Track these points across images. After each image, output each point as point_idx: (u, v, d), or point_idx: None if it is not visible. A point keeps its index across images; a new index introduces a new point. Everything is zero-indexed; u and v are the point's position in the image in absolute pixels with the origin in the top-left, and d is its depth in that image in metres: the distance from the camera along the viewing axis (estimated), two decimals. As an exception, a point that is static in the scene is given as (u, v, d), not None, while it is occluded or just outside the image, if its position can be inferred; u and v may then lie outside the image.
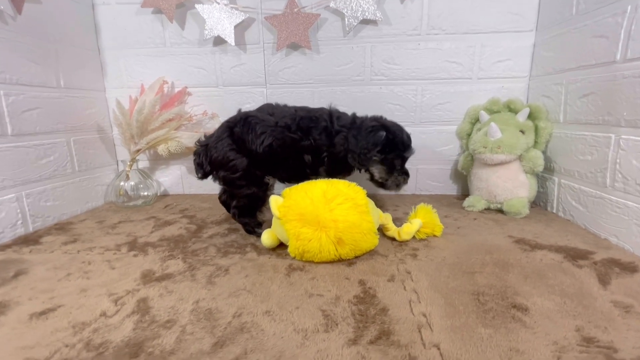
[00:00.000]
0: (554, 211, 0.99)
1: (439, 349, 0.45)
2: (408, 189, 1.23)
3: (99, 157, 1.21)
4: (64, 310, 0.56)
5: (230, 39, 1.11)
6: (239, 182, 0.85)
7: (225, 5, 1.09)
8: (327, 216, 0.68)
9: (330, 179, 0.77)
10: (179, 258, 0.76)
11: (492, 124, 0.96)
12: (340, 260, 0.71)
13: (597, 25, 0.80)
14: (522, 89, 1.10)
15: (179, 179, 1.30)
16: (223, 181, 0.88)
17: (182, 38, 1.18)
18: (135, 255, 0.77)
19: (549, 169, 1.00)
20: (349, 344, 0.46)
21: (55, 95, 1.02)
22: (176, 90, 1.22)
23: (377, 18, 1.06)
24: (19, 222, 0.91)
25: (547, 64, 1.00)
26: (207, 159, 0.86)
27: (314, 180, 0.76)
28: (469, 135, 1.12)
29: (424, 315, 0.53)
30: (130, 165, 1.18)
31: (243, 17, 1.10)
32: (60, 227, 0.97)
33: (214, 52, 1.18)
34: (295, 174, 0.90)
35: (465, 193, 1.21)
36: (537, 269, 0.66)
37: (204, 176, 0.89)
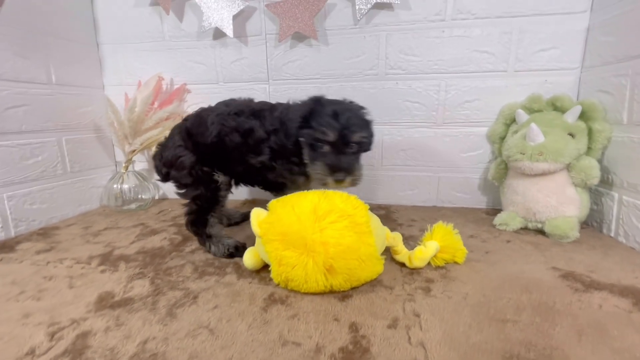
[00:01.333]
0: (612, 235, 0.79)
1: None
2: (428, 200, 1.07)
3: (95, 157, 1.15)
4: (-10, 343, 0.47)
5: (229, 30, 1.01)
6: (184, 181, 0.76)
7: (224, -7, 0.99)
8: (315, 237, 0.55)
9: (325, 191, 0.63)
10: (148, 277, 0.65)
11: (533, 125, 0.78)
12: (332, 292, 0.58)
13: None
14: (572, 83, 0.91)
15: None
16: (174, 182, 0.79)
17: (180, 31, 1.09)
18: (102, 272, 0.68)
19: (606, 181, 0.80)
20: None
21: (46, 92, 0.97)
22: (175, 87, 1.14)
23: (393, 1, 0.91)
24: (0, 225, 0.86)
25: (606, 52, 0.80)
26: (161, 160, 0.79)
27: (305, 192, 0.63)
28: (503, 138, 0.94)
29: (432, 388, 0.38)
30: (126, 167, 1.11)
31: (242, 6, 0.99)
32: (43, 233, 0.91)
33: (214, 45, 1.09)
34: (249, 171, 0.77)
35: (497, 207, 1.02)
36: (595, 321, 0.49)
37: (164, 179, 0.81)
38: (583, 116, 0.82)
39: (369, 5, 0.92)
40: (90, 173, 1.13)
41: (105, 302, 0.57)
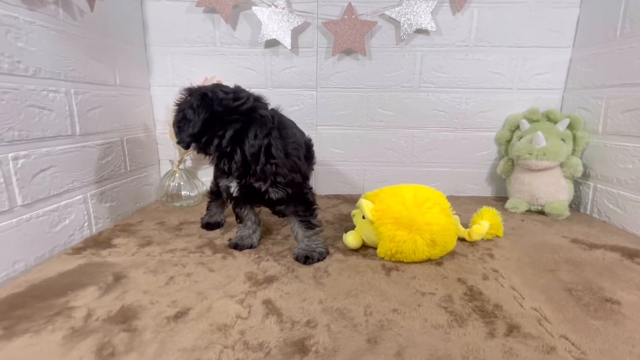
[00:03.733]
0: (588, 213, 1.10)
1: (567, 339, 0.52)
2: (446, 191, 1.30)
3: (145, 156, 1.18)
4: (196, 313, 0.57)
5: (287, 42, 1.12)
6: None
7: (283, 8, 1.10)
8: (420, 219, 0.73)
9: (414, 184, 0.82)
10: (269, 260, 0.78)
11: (539, 132, 1.05)
12: (428, 261, 0.77)
13: (641, 47, 0.90)
14: (557, 100, 1.20)
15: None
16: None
17: (233, 38, 1.18)
18: (224, 258, 0.79)
19: (584, 174, 1.10)
20: (488, 337, 0.52)
21: (112, 93, 1.00)
22: (224, 90, 1.21)
23: (431, 28, 1.11)
24: (86, 224, 0.89)
25: (585, 79, 1.10)
26: None
27: (400, 185, 0.81)
28: (508, 141, 1.20)
29: (535, 310, 0.59)
30: (178, 165, 1.17)
31: (301, 22, 1.11)
32: (123, 229, 0.95)
33: (265, 53, 1.19)
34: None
35: (499, 195, 1.30)
36: (605, 266, 0.75)
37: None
38: (569, 126, 1.10)
39: (411, 29, 1.11)
40: (142, 171, 1.16)
41: (256, 280, 0.69)
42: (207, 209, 1.00)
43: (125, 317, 0.56)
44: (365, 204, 0.78)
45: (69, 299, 0.62)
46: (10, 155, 0.68)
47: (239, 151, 0.71)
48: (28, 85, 0.71)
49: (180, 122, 0.67)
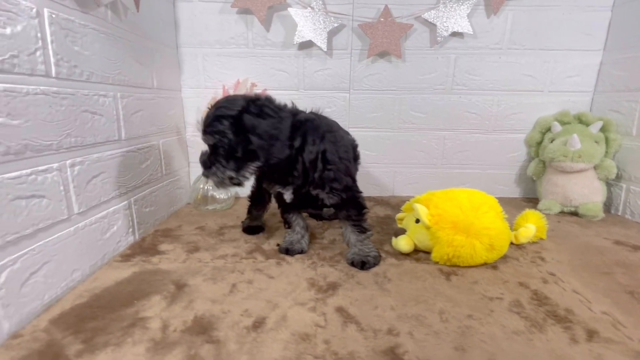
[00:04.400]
0: (620, 214, 1.12)
1: (648, 343, 0.53)
2: (475, 191, 1.31)
3: (178, 159, 1.17)
4: (273, 322, 0.57)
5: (323, 44, 1.12)
6: None
7: (319, 10, 1.09)
8: (478, 224, 0.74)
9: (465, 189, 0.82)
10: (324, 265, 0.78)
11: (575, 135, 1.06)
12: (483, 265, 0.77)
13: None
14: (586, 102, 1.21)
15: (251, 181, 1.29)
16: None
17: (266, 40, 1.16)
18: (278, 264, 0.78)
19: (616, 176, 1.12)
20: (571, 343, 0.53)
21: (151, 97, 0.98)
22: (256, 91, 1.20)
23: (467, 31, 1.11)
24: (130, 230, 0.88)
25: (617, 82, 1.11)
26: None
27: (451, 189, 0.81)
28: (539, 143, 1.21)
29: (606, 314, 0.60)
30: (211, 168, 1.15)
31: (337, 24, 1.11)
32: (164, 234, 0.94)
33: (298, 55, 1.18)
34: None
35: (527, 196, 1.31)
36: (655, 268, 0.76)
37: None
38: (601, 128, 1.12)
39: (447, 32, 1.12)
40: (175, 175, 1.15)
41: (319, 286, 0.68)
42: (248, 212, 0.99)
43: (202, 328, 0.56)
44: (421, 209, 0.78)
45: (137, 309, 0.61)
46: (68, 162, 0.66)
47: (300, 159, 0.71)
48: (82, 90, 0.70)
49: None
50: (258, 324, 0.56)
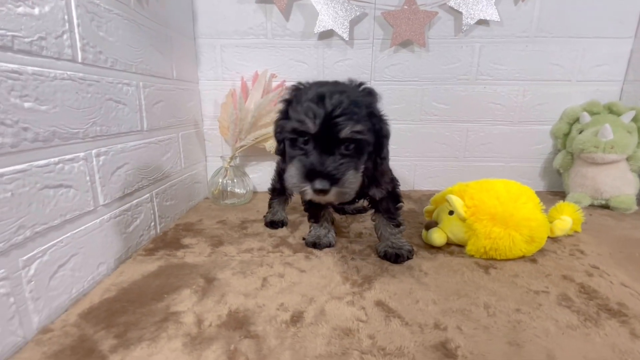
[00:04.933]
0: (652, 206, 1.08)
1: None
2: (498, 185, 1.28)
3: (195, 152, 1.15)
4: (312, 317, 0.54)
5: (345, 33, 1.09)
6: None
7: (341, -2, 1.06)
8: (518, 215, 0.71)
9: (502, 179, 0.79)
10: (355, 259, 0.75)
11: (607, 125, 1.02)
12: (520, 258, 0.74)
13: None
14: (616, 92, 1.17)
15: (269, 175, 1.26)
16: None
17: (285, 30, 1.14)
18: (307, 257, 0.76)
19: (648, 167, 1.08)
20: (632, 337, 0.49)
21: (171, 87, 0.96)
22: (275, 83, 1.18)
23: (495, 18, 1.08)
24: (152, 223, 0.85)
25: (650, 70, 1.07)
26: None
27: (487, 180, 0.78)
28: (566, 135, 1.18)
29: (662, 308, 0.57)
30: (229, 162, 1.13)
31: (359, 12, 1.08)
32: (186, 228, 0.92)
33: (318, 45, 1.15)
34: None
35: (552, 189, 1.27)
36: None
37: None
38: (633, 118, 1.08)
39: (473, 20, 1.08)
40: (193, 168, 1.12)
41: (354, 280, 0.66)
42: (270, 206, 0.97)
43: (239, 323, 0.53)
44: (456, 201, 0.75)
45: (167, 303, 0.58)
46: (93, 151, 0.64)
47: None
48: (107, 78, 0.67)
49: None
50: (296, 319, 0.54)
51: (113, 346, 0.48)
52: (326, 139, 0.54)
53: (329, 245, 0.81)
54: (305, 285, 0.64)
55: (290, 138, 0.58)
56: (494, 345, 0.48)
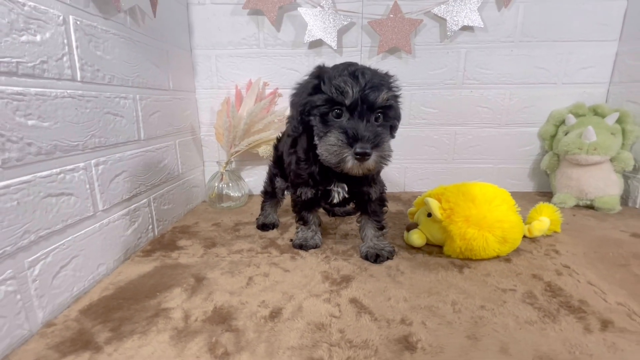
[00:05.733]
0: (638, 206, 1.09)
1: (664, 333, 0.52)
2: (488, 186, 1.31)
3: (193, 158, 1.20)
4: (290, 313, 0.59)
5: (333, 42, 1.13)
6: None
7: (328, 9, 1.11)
8: (491, 217, 0.74)
9: (477, 182, 0.82)
10: (337, 259, 0.79)
11: (590, 127, 1.05)
12: (495, 257, 0.78)
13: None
14: (602, 94, 1.19)
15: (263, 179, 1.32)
16: None
17: (277, 40, 1.19)
18: (293, 258, 0.80)
19: (633, 168, 1.10)
20: (585, 332, 0.53)
21: (167, 98, 1.01)
22: (268, 91, 1.23)
23: (478, 25, 1.11)
24: (150, 226, 0.91)
25: (634, 72, 1.09)
26: None
27: (464, 183, 0.82)
28: (553, 136, 1.20)
29: (622, 305, 0.60)
30: (225, 167, 1.18)
31: (346, 22, 1.12)
32: (182, 231, 0.97)
33: (308, 54, 1.20)
34: None
35: (541, 190, 1.30)
36: (674, 261, 0.75)
37: None
38: (618, 120, 1.10)
39: (457, 27, 1.11)
40: (190, 173, 1.18)
41: (333, 279, 0.70)
42: (262, 209, 1.02)
43: (222, 318, 0.58)
44: (433, 203, 0.78)
45: (159, 300, 0.64)
46: (92, 161, 0.70)
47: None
48: (105, 93, 0.73)
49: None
50: (275, 314, 0.59)
51: (108, 338, 0.54)
52: (359, 109, 0.60)
53: (316, 247, 0.85)
54: (288, 283, 0.69)
55: (322, 113, 0.62)
56: (453, 339, 0.52)
